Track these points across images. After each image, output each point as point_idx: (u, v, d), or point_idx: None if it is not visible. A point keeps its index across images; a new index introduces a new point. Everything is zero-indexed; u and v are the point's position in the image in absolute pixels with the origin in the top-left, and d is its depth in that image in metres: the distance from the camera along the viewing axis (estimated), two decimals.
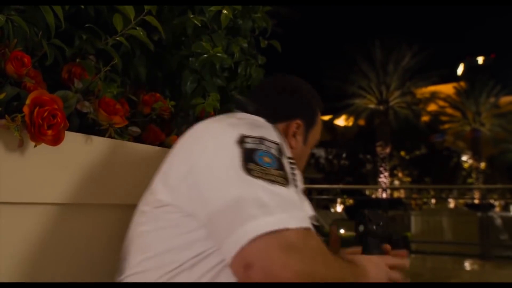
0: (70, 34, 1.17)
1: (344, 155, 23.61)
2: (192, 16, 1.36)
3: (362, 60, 20.93)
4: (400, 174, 28.71)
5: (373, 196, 26.35)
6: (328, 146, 23.54)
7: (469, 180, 31.76)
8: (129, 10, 1.11)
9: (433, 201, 28.79)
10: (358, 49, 20.86)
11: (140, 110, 1.31)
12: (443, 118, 25.21)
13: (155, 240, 0.83)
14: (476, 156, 26.26)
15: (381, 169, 21.01)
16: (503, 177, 31.98)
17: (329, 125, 23.45)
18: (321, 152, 23.72)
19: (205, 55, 1.33)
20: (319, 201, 22.89)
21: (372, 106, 21.42)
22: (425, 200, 28.90)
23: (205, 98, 1.37)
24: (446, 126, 25.65)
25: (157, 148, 1.23)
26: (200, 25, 1.34)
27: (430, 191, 28.55)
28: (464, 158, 32.20)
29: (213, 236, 0.77)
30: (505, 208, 32.95)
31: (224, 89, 1.49)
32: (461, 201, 30.97)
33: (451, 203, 29.97)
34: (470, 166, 30.76)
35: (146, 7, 1.14)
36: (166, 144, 1.29)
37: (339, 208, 21.34)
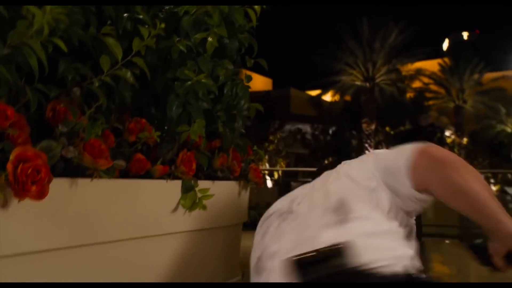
0: (53, 59, 1.15)
1: (330, 131, 23.66)
2: (177, 40, 1.35)
3: (349, 37, 20.83)
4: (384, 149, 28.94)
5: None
6: (315, 122, 23.54)
7: None
8: (117, 50, 1.10)
9: None
10: (345, 26, 20.75)
11: (125, 138, 1.30)
12: (428, 94, 25.37)
13: (386, 201, 1.10)
14: (459, 133, 26.62)
15: (366, 145, 21.17)
16: (484, 152, 32.49)
17: (316, 101, 23.45)
18: (307, 128, 23.73)
19: (189, 82, 1.32)
20: (305, 175, 23.05)
21: (358, 83, 21.42)
22: None
23: (191, 123, 1.36)
24: (431, 102, 25.81)
25: (142, 181, 1.23)
26: (185, 51, 1.33)
27: None
28: (447, 133, 32.56)
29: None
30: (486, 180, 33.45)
31: (210, 111, 1.49)
32: None
33: None
34: (453, 142, 31.18)
35: (134, 47, 1.13)
36: (152, 174, 1.29)
37: None
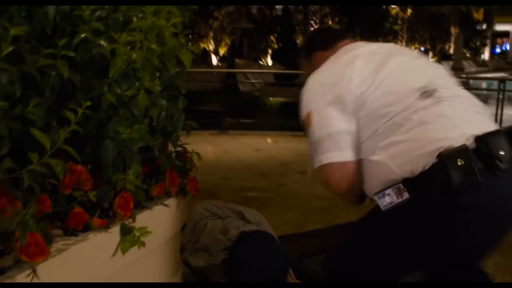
0: None
1: (276, 6, 22.99)
2: (107, 84, 1.30)
3: None
4: (330, 22, 28.76)
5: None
6: None
7: (395, 27, 32.61)
8: (45, 141, 1.08)
9: None
10: None
11: (61, 193, 1.31)
12: None
13: None
14: (403, 6, 26.67)
15: (312, 22, 20.94)
16: (425, 24, 33.00)
17: None
18: None
19: (123, 135, 1.32)
20: (250, 52, 22.88)
21: None
22: None
23: (126, 169, 1.38)
24: None
25: (80, 245, 1.27)
26: (115, 103, 1.30)
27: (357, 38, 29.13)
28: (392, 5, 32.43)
29: None
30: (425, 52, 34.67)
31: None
32: None
33: None
34: (397, 14, 31.33)
35: (62, 135, 1.11)
36: (90, 226, 1.33)
37: (269, 61, 21.53)
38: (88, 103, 1.17)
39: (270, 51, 22.14)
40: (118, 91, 1.31)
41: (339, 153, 1.44)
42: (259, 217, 2.84)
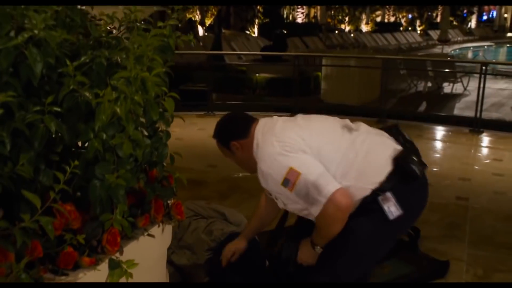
0: None
1: None
2: (93, 137, 1.36)
3: None
4: None
5: (290, 16, 26.27)
6: None
7: None
8: (35, 201, 1.14)
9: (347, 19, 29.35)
10: None
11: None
12: None
13: None
14: None
15: None
16: None
17: None
18: None
19: (109, 181, 1.38)
20: (237, 22, 22.60)
21: None
22: (339, 18, 29.42)
23: (113, 206, 1.45)
24: None
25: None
26: (102, 150, 1.36)
27: (345, 9, 28.96)
28: None
29: None
30: (411, 23, 34.49)
31: None
32: (372, 15, 31.84)
33: (364, 20, 30.77)
34: None
35: (52, 194, 1.17)
36: (80, 265, 1.40)
37: (256, 31, 21.31)
38: (76, 163, 1.22)
39: (257, 21, 21.88)
40: (104, 137, 1.37)
41: (335, 183, 1.78)
42: (240, 218, 2.95)
